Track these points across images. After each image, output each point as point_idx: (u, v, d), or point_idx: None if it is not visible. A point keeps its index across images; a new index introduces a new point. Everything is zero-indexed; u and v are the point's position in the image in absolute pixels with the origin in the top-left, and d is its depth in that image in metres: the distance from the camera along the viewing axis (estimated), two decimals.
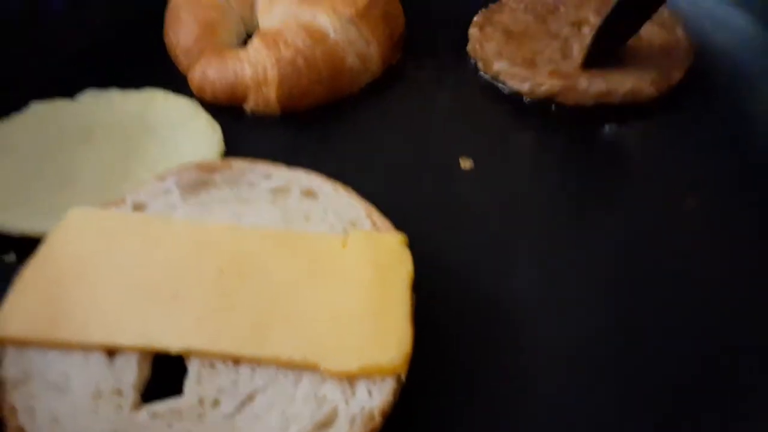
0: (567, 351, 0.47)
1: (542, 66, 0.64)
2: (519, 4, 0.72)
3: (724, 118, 0.63)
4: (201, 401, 0.40)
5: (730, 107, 0.64)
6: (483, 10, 0.71)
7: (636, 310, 0.49)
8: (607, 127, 0.62)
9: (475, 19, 0.70)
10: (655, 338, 0.48)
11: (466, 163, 0.59)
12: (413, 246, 0.46)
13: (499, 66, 0.65)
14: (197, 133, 0.59)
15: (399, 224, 0.47)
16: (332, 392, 0.40)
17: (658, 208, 0.56)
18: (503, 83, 0.65)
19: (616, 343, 0.47)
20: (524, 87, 0.64)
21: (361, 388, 0.40)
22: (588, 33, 0.67)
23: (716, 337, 0.48)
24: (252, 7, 0.69)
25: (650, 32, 0.67)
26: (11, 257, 0.51)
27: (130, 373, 0.41)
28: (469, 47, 0.69)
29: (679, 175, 0.58)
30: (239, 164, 0.51)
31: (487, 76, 0.66)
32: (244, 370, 0.40)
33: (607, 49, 0.63)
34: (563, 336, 0.47)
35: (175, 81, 0.64)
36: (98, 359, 0.41)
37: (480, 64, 0.67)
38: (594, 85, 0.62)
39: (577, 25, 0.69)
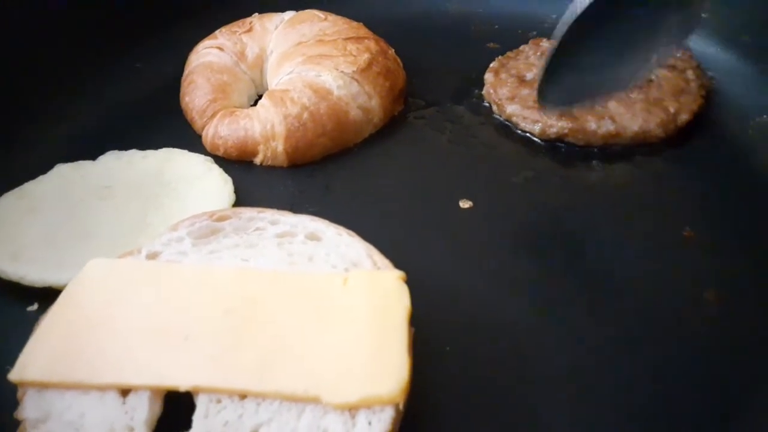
0: (565, 380, 0.47)
1: None
2: (536, 51, 0.75)
3: (726, 160, 0.64)
4: None
5: (732, 149, 0.65)
6: (500, 57, 0.75)
7: (634, 338, 0.50)
8: (595, 163, 0.64)
9: (491, 65, 0.74)
10: (653, 366, 0.48)
11: (465, 205, 0.61)
12: (412, 282, 0.47)
13: (511, 109, 0.69)
14: (210, 187, 0.63)
15: (399, 263, 0.49)
16: (334, 424, 0.41)
17: (654, 241, 0.57)
18: (515, 125, 0.68)
19: (614, 371, 0.48)
20: (535, 128, 0.67)
21: (362, 418, 0.41)
22: None
23: (715, 367, 0.49)
24: (261, 70, 0.74)
25: (660, 73, 0.69)
26: (33, 307, 0.54)
27: (142, 411, 0.42)
28: (484, 91, 0.73)
29: (677, 211, 0.60)
30: (248, 212, 0.54)
31: (501, 119, 0.70)
32: (250, 405, 0.42)
33: (577, 93, 0.57)
34: (561, 366, 0.48)
35: (190, 140, 0.69)
36: (112, 398, 0.43)
37: (494, 107, 0.71)
38: (603, 127, 0.65)
39: None
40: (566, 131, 0.65)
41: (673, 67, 0.70)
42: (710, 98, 0.69)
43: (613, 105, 0.66)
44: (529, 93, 0.69)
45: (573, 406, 0.47)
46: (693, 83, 0.69)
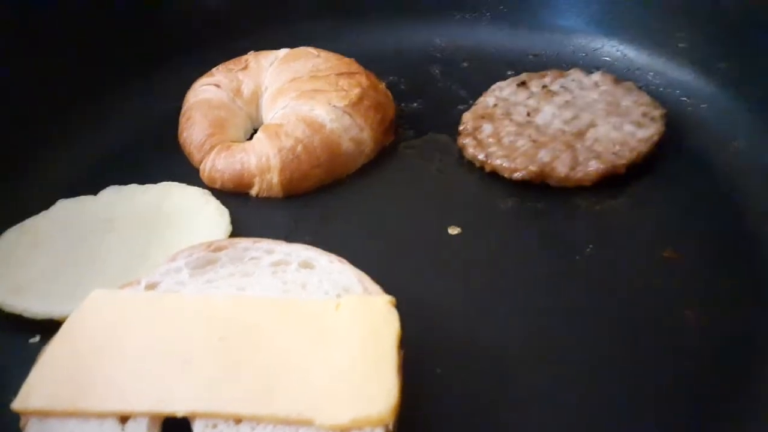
0: (555, 400, 0.49)
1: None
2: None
3: (705, 183, 0.66)
4: None
5: (711, 172, 0.67)
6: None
7: (617, 358, 0.52)
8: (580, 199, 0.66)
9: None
10: (636, 385, 0.50)
11: (454, 231, 0.63)
12: (403, 306, 0.49)
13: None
14: (208, 218, 0.64)
15: (390, 288, 0.50)
16: None
17: (636, 262, 0.59)
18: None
19: (601, 390, 0.50)
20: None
21: None
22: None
23: (695, 384, 0.50)
24: (257, 105, 0.76)
25: None
26: (36, 339, 0.55)
27: None
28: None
29: (659, 233, 0.62)
30: (243, 242, 0.55)
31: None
32: (245, 429, 0.43)
33: None
34: (549, 386, 0.50)
35: (188, 174, 0.70)
36: (111, 426, 0.44)
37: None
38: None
39: None
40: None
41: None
42: (685, 124, 0.71)
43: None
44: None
45: (564, 427, 0.48)
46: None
